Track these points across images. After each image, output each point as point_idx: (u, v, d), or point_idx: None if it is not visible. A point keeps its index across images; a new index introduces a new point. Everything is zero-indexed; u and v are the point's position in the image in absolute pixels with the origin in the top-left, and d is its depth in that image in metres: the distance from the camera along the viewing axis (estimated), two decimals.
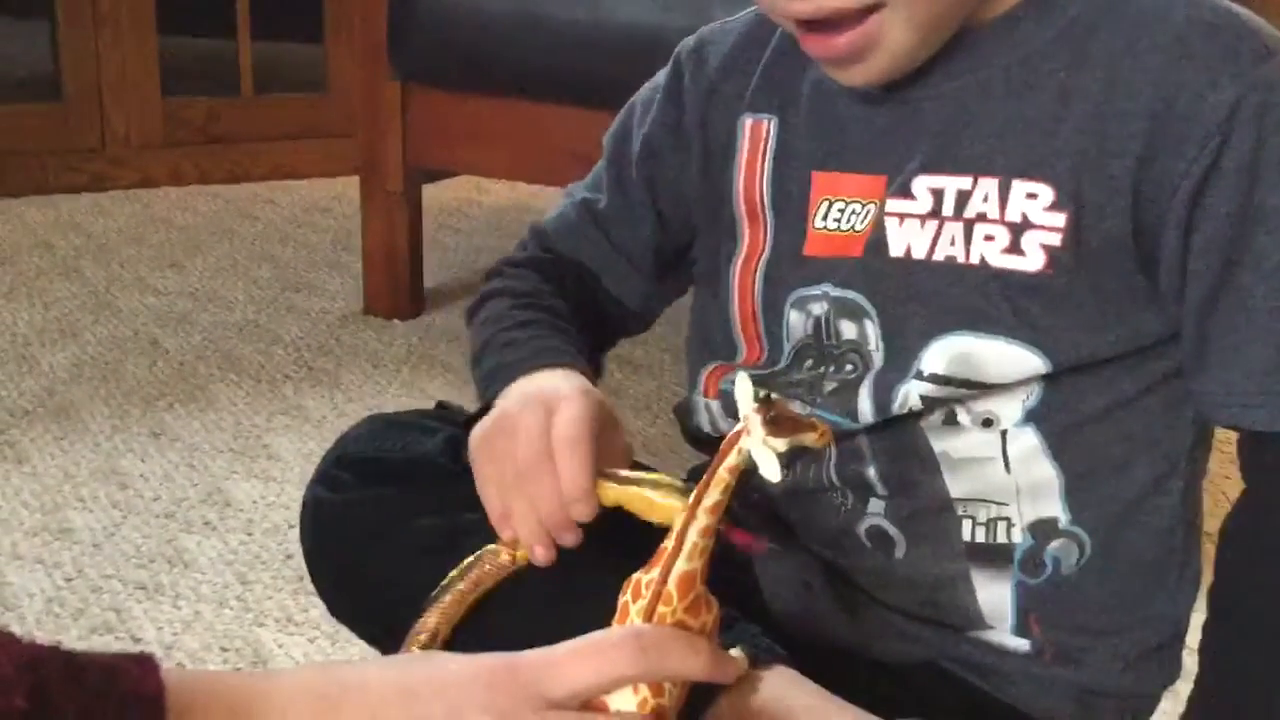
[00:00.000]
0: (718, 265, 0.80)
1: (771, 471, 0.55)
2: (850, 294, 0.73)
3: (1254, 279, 0.64)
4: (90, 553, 1.27)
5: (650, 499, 0.66)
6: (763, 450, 0.55)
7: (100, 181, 2.50)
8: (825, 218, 0.74)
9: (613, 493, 0.67)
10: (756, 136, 0.78)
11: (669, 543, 0.59)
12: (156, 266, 2.12)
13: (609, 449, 0.70)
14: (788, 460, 0.57)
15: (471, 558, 0.71)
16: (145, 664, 0.44)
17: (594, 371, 0.79)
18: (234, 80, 2.63)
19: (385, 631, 0.78)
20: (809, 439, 0.57)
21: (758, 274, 0.78)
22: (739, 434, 0.57)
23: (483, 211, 2.54)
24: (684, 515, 0.58)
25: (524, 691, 0.49)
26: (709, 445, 0.83)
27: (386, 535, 0.78)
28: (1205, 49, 0.64)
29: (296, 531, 0.84)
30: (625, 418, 1.65)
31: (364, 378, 1.73)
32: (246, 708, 0.45)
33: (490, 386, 0.76)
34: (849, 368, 0.73)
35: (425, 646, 0.69)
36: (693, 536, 0.58)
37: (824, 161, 0.75)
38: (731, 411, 0.78)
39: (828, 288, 0.73)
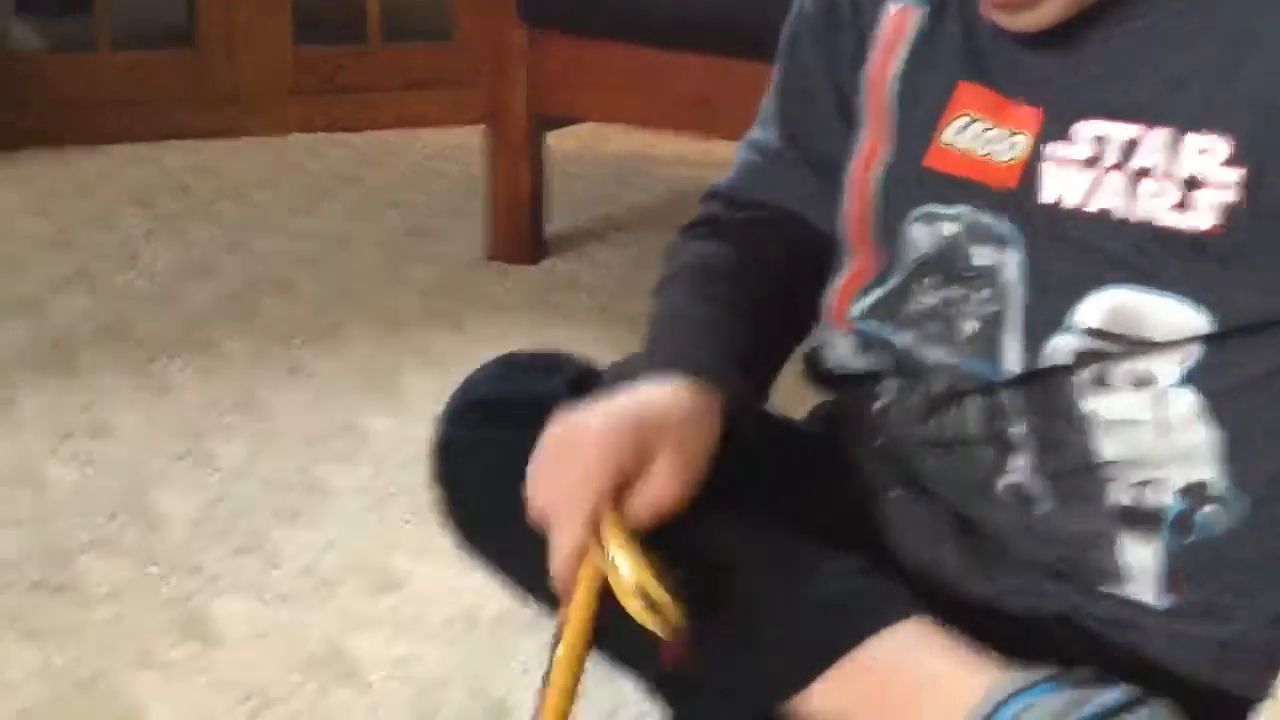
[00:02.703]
0: (841, 159, 0.78)
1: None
2: (992, 220, 0.70)
3: None
4: (232, 479, 1.33)
5: (616, 585, 0.66)
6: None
7: (233, 128, 2.57)
8: (962, 133, 0.71)
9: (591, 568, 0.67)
10: (899, 26, 0.75)
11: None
12: (288, 210, 2.18)
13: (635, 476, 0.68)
14: None
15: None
16: None
17: (747, 351, 0.76)
18: (362, 29, 2.68)
19: (511, 567, 0.80)
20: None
21: (874, 177, 0.75)
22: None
23: (603, 160, 2.56)
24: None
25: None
26: (836, 386, 0.83)
27: (513, 475, 0.80)
28: None
29: (426, 466, 0.86)
30: None
31: (487, 321, 1.76)
32: None
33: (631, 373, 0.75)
34: (983, 294, 0.71)
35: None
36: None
37: (973, 73, 0.71)
38: (865, 350, 0.78)
39: (964, 209, 0.71)
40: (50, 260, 1.90)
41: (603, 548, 0.66)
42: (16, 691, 1.00)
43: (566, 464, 0.68)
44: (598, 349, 0.80)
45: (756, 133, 0.85)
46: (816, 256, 0.81)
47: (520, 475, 0.79)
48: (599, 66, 1.81)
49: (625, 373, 0.75)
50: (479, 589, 1.02)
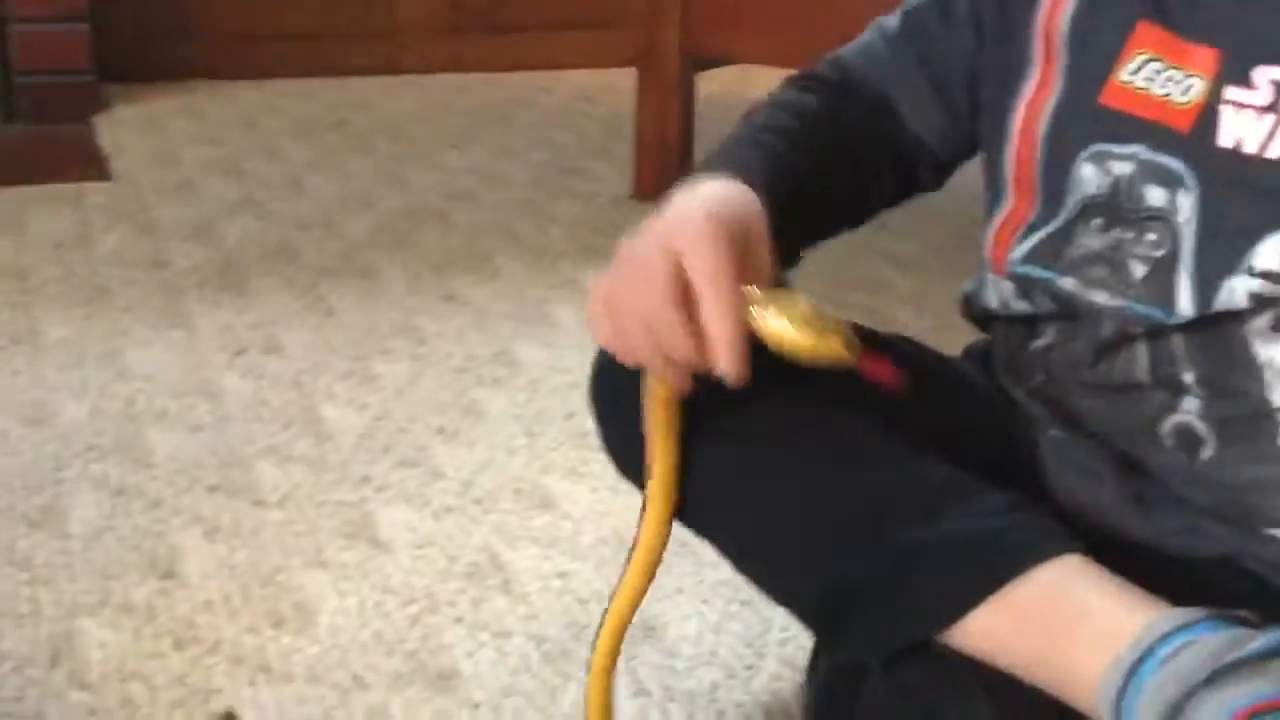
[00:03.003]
0: (1002, 102, 0.77)
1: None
2: (1167, 160, 0.70)
3: None
4: (394, 397, 1.39)
5: (780, 334, 0.63)
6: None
7: (387, 64, 2.64)
8: (1138, 72, 0.71)
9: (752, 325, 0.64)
10: None
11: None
12: (441, 146, 2.24)
13: (745, 271, 0.65)
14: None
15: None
16: None
17: (797, 191, 0.73)
18: None
19: None
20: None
21: (1044, 116, 0.74)
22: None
23: (747, 104, 2.56)
24: None
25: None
26: (993, 326, 0.83)
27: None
28: None
29: (576, 393, 0.87)
30: (892, 310, 1.67)
31: None
32: None
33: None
34: (1151, 237, 0.71)
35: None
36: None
37: (1153, 13, 0.71)
38: (1025, 294, 0.77)
39: (1139, 149, 0.70)
40: (221, 186, 1.99)
41: (751, 307, 0.63)
42: (200, 586, 1.08)
43: (652, 270, 0.64)
44: None
45: (892, 18, 0.84)
46: (895, 147, 0.81)
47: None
48: (752, 7, 1.81)
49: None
50: (628, 512, 1.06)
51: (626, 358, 0.69)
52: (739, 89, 2.63)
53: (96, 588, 1.06)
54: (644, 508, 0.75)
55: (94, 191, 1.95)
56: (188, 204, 1.92)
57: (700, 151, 2.06)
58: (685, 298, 0.64)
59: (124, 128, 2.22)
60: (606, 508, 1.20)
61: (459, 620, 1.04)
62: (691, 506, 0.76)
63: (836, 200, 0.80)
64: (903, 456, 0.73)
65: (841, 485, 0.73)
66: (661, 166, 2.00)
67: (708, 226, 0.65)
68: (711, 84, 2.52)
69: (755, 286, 0.65)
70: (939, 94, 0.81)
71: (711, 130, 2.33)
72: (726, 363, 0.64)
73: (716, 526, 0.78)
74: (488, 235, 1.86)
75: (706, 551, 0.80)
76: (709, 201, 0.67)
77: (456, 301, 1.64)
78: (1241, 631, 0.62)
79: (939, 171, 0.84)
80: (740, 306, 0.64)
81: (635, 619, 1.05)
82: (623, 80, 2.01)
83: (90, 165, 2.04)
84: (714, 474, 0.75)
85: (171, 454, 1.27)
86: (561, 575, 1.11)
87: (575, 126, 2.38)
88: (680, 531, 0.77)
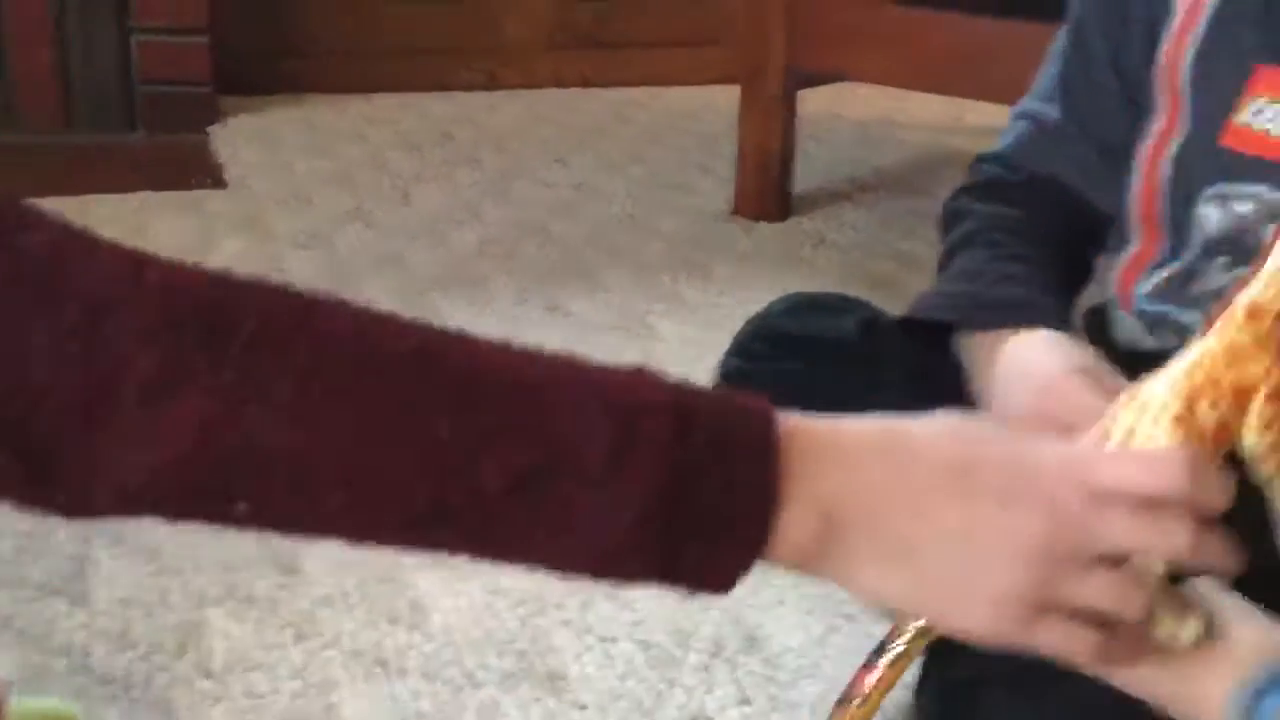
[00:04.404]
0: (1130, 141, 0.79)
1: None
2: None
3: None
4: None
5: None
6: None
7: (492, 80, 2.70)
8: (1259, 114, 0.72)
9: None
10: (1193, 7, 0.75)
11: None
12: (544, 160, 2.28)
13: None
14: None
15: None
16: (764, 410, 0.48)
17: (1066, 309, 0.77)
18: None
19: None
20: None
21: (1166, 156, 0.76)
22: None
23: (846, 123, 2.57)
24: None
25: (1074, 480, 0.49)
26: (1124, 363, 0.83)
27: (799, 408, 0.84)
28: None
29: None
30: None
31: (734, 273, 1.81)
32: (830, 450, 0.48)
33: (961, 310, 0.76)
34: None
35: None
36: (1274, 266, 0.52)
37: (1272, 56, 0.72)
38: (1152, 331, 0.78)
39: (1261, 189, 0.72)
40: (332, 196, 2.05)
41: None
42: (320, 581, 1.11)
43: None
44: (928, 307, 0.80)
45: (1034, 105, 0.86)
46: (1091, 229, 0.83)
47: (805, 407, 0.83)
48: (857, 24, 1.83)
49: (931, 313, 0.77)
50: None
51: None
52: (839, 107, 2.64)
53: (221, 580, 1.10)
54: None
55: (212, 199, 2.01)
56: (301, 213, 1.98)
57: (802, 167, 2.08)
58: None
59: (239, 138, 2.30)
60: None
61: (567, 623, 1.07)
62: None
63: (1070, 296, 0.82)
64: None
65: None
66: (762, 182, 2.01)
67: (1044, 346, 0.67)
68: (812, 102, 2.54)
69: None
70: (1107, 162, 0.82)
71: (812, 148, 2.35)
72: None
73: None
74: (590, 248, 1.89)
75: None
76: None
77: (560, 312, 1.67)
78: None
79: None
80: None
81: (739, 629, 1.07)
82: (722, 97, 2.03)
83: (208, 174, 2.11)
84: None
85: None
86: None
87: (674, 142, 2.41)
88: None
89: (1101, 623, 0.50)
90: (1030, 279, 0.78)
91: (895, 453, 0.49)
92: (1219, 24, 0.75)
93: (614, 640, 1.05)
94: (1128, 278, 0.80)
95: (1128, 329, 0.81)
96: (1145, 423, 0.52)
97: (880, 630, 1.01)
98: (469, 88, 2.66)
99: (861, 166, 2.28)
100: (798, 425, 0.48)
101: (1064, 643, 0.50)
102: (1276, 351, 0.52)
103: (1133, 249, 0.79)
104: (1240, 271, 0.73)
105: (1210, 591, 0.67)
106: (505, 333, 1.59)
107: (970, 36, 1.71)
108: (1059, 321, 0.74)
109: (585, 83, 2.74)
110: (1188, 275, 0.76)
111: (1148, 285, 0.78)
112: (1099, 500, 0.49)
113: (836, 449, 0.49)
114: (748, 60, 1.96)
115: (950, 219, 0.86)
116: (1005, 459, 0.49)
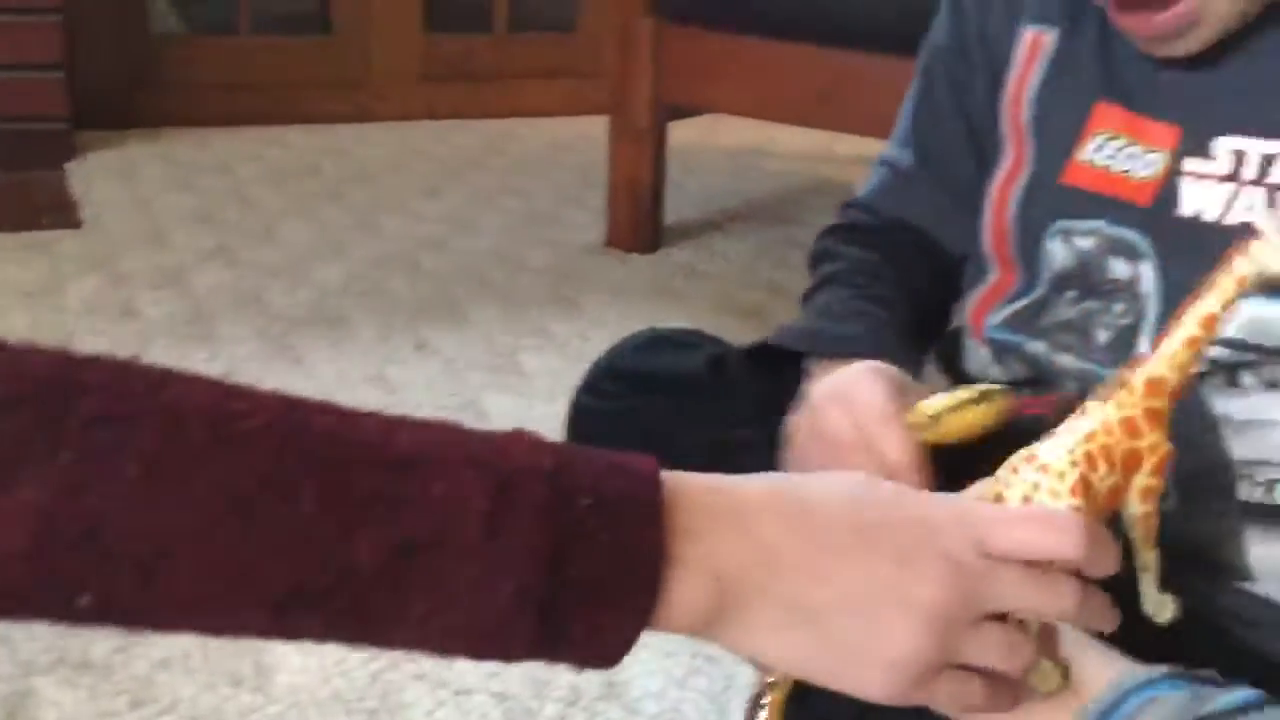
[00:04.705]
0: (984, 182, 0.80)
1: None
2: (1127, 233, 0.72)
3: None
4: None
5: (965, 417, 0.63)
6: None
7: (362, 112, 2.66)
8: (1099, 150, 0.73)
9: (932, 436, 0.65)
10: (1033, 49, 0.77)
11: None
12: (415, 193, 2.24)
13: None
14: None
15: None
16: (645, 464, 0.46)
17: (914, 350, 0.78)
18: (489, 19, 2.74)
19: None
20: None
21: (1014, 194, 0.77)
22: (1249, 241, 0.53)
23: (717, 154, 2.58)
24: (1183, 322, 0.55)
25: (969, 539, 0.49)
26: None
27: (650, 445, 0.82)
28: None
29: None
30: None
31: (605, 306, 1.80)
32: (722, 509, 0.47)
33: (808, 341, 0.77)
34: (1118, 308, 0.73)
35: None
36: (1174, 344, 0.54)
37: (1110, 93, 0.73)
38: (999, 359, 0.78)
39: (1100, 224, 0.72)
40: (193, 234, 1.99)
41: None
42: (159, 643, 1.06)
43: (833, 421, 0.68)
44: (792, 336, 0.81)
45: (891, 151, 0.88)
46: (947, 272, 0.84)
47: (653, 446, 0.82)
48: (724, 58, 1.83)
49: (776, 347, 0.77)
50: None
51: None
52: (711, 138, 2.66)
53: (53, 646, 1.05)
54: None
55: (65, 239, 1.94)
56: (159, 252, 1.92)
57: (674, 198, 2.08)
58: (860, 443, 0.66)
59: (97, 175, 2.22)
60: None
61: (420, 677, 1.03)
62: None
63: (926, 340, 0.84)
64: None
65: None
66: (634, 214, 2.01)
67: (862, 372, 0.69)
68: (684, 133, 2.55)
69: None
70: (960, 206, 0.83)
71: (685, 179, 2.35)
72: (914, 484, 0.64)
73: None
74: (459, 283, 1.86)
75: None
76: (858, 369, 0.71)
77: (427, 350, 1.64)
78: (1204, 689, 0.63)
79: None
80: (910, 433, 0.65)
81: (597, 677, 1.05)
82: (598, 128, 2.02)
83: (62, 213, 2.03)
84: None
85: None
86: None
87: (548, 174, 2.40)
88: None
89: (988, 674, 0.50)
90: (879, 317, 0.79)
91: (790, 512, 0.47)
92: (1059, 64, 0.76)
93: (469, 693, 1.02)
94: (981, 308, 0.81)
95: (977, 358, 0.81)
96: (1047, 483, 0.54)
97: (742, 671, 1.01)
98: (338, 120, 2.62)
99: (733, 196, 2.29)
100: (687, 484, 0.46)
101: (957, 698, 0.50)
102: (1166, 427, 0.55)
103: (989, 282, 0.80)
104: (1089, 305, 0.75)
105: (1069, 633, 0.67)
106: (368, 372, 1.54)
107: (833, 70, 1.73)
108: (902, 357, 0.74)
109: (459, 114, 2.72)
110: (1038, 308, 0.76)
111: (999, 316, 0.78)
112: (994, 560, 0.49)
113: (728, 509, 0.47)
114: (616, 93, 1.96)
115: (817, 259, 0.87)
116: (902, 519, 0.48)
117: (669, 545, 0.44)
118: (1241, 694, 0.62)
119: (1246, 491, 0.71)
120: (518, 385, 1.55)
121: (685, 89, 1.91)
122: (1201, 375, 0.69)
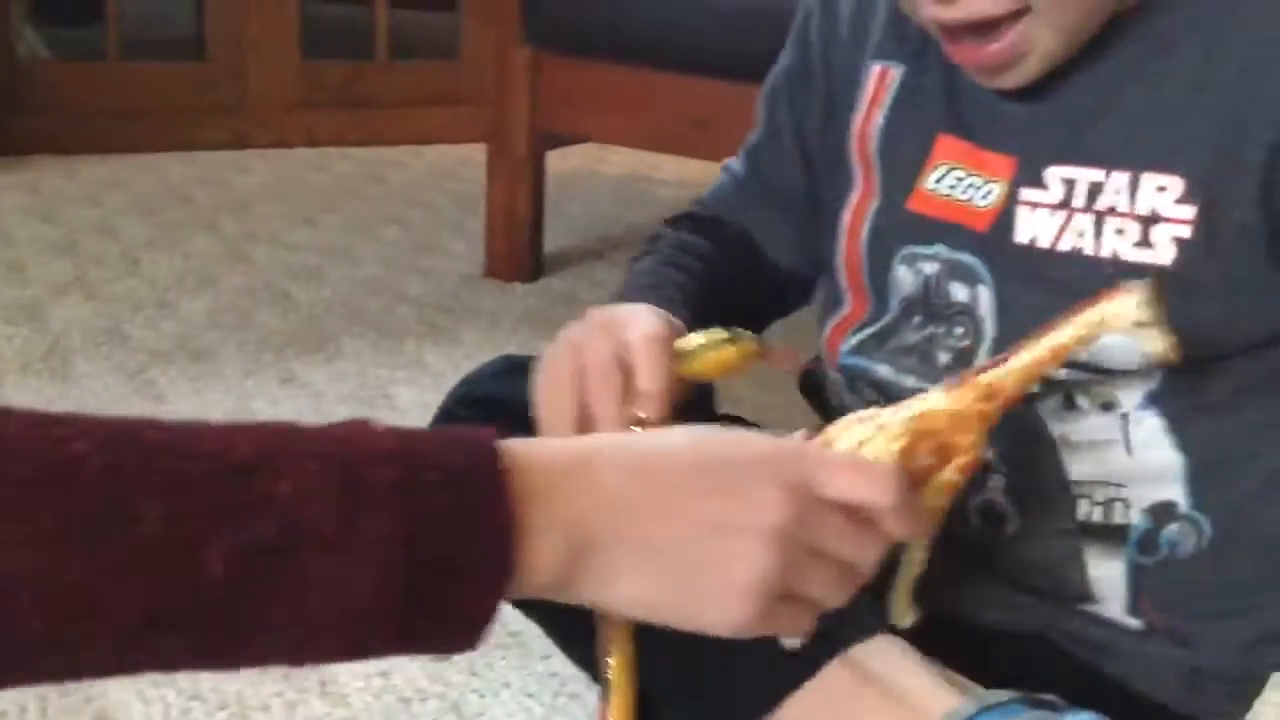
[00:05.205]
0: (836, 213, 0.82)
1: (1153, 345, 0.57)
2: (966, 258, 0.73)
3: None
4: None
5: (717, 355, 0.67)
6: (1131, 315, 0.56)
7: (239, 139, 2.60)
8: (941, 180, 0.75)
9: (685, 370, 0.67)
10: (880, 83, 0.79)
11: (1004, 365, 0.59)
12: (290, 223, 2.20)
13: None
14: (1158, 354, 0.58)
15: None
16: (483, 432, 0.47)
17: (697, 318, 0.78)
18: (370, 45, 2.71)
19: None
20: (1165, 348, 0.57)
21: (865, 223, 0.79)
22: (1115, 293, 0.57)
23: (602, 181, 2.58)
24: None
25: (803, 475, 0.51)
26: (833, 415, 0.85)
27: None
28: None
29: None
30: (741, 390, 1.68)
31: (483, 336, 1.78)
32: (565, 466, 0.48)
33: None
34: (959, 330, 0.74)
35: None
36: (1024, 361, 0.58)
37: (952, 126, 0.75)
38: (851, 386, 0.80)
39: (941, 249, 0.74)
40: (52, 266, 1.92)
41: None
42: None
43: (593, 342, 0.68)
44: None
45: (734, 160, 0.90)
46: (768, 277, 0.87)
47: None
48: (601, 87, 1.82)
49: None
50: None
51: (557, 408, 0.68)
52: (593, 165, 2.66)
53: None
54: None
55: None
56: (15, 285, 1.84)
57: (555, 226, 2.07)
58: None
59: None
60: None
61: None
62: None
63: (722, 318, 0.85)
64: None
65: None
66: (512, 243, 1.99)
67: (641, 308, 0.70)
68: (565, 161, 2.54)
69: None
70: (789, 221, 0.86)
71: (566, 207, 2.34)
72: (646, 409, 0.65)
73: None
74: (331, 315, 1.82)
75: (535, 643, 0.78)
76: (633, 305, 0.72)
77: (294, 384, 1.59)
78: (1044, 714, 0.63)
79: (803, 284, 0.90)
80: (668, 370, 0.67)
81: (456, 715, 1.02)
82: (480, 155, 2.00)
83: None
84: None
85: None
86: (383, 674, 1.07)
87: (429, 202, 2.37)
88: (508, 621, 0.74)
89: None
90: (675, 281, 0.80)
91: (632, 459, 0.49)
92: (904, 97, 0.77)
93: None
94: (834, 337, 0.83)
95: (836, 385, 0.82)
96: (879, 440, 0.57)
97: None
98: (215, 147, 2.56)
99: (615, 224, 2.28)
100: (532, 449, 0.47)
101: (794, 625, 0.53)
102: (986, 435, 0.58)
103: (843, 310, 0.82)
104: (932, 329, 0.77)
105: (911, 658, 0.67)
106: (232, 407, 1.49)
107: (708, 99, 1.73)
108: (681, 314, 0.75)
109: (340, 142, 2.68)
110: (887, 333, 0.78)
111: (850, 342, 0.80)
112: (823, 499, 0.51)
113: (571, 464, 0.48)
114: (493, 122, 1.94)
115: (649, 241, 0.89)
116: (741, 454, 0.51)
117: (517, 510, 0.45)
118: (1083, 718, 0.63)
119: (1085, 511, 0.72)
120: (388, 418, 1.49)
121: (562, 118, 1.90)
122: (1034, 396, 0.71)
